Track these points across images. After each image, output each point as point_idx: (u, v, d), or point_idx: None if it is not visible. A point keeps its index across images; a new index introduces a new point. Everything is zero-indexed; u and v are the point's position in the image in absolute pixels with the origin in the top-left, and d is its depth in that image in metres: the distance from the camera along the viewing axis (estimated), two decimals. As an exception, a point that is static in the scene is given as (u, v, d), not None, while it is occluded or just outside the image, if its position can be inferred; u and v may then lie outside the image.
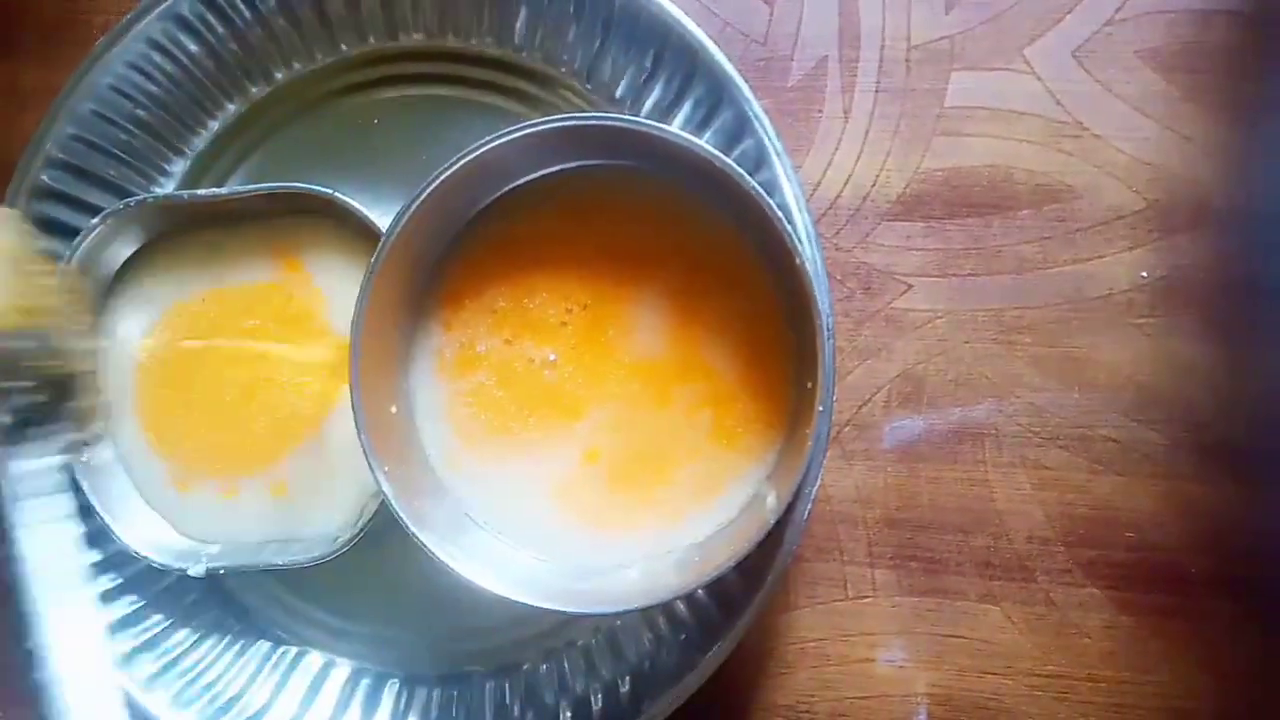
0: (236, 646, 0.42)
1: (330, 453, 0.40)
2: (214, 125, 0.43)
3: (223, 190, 0.41)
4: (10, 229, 0.30)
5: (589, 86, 0.40)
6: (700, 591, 0.38)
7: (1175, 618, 0.39)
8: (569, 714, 0.39)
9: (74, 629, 0.27)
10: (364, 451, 0.34)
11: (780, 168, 0.37)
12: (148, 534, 0.41)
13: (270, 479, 0.41)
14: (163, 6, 0.40)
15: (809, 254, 0.37)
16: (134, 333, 0.42)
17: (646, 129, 0.33)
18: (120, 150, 0.42)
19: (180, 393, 0.41)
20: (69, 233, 0.41)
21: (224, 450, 0.41)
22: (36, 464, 0.28)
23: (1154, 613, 0.39)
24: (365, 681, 0.42)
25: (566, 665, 0.40)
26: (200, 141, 0.43)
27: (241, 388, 0.41)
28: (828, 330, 0.36)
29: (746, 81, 0.38)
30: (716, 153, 0.32)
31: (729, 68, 0.38)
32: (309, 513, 0.41)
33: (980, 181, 0.40)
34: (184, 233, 0.42)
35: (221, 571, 0.40)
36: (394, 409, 0.37)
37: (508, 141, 0.34)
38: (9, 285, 0.27)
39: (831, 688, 0.40)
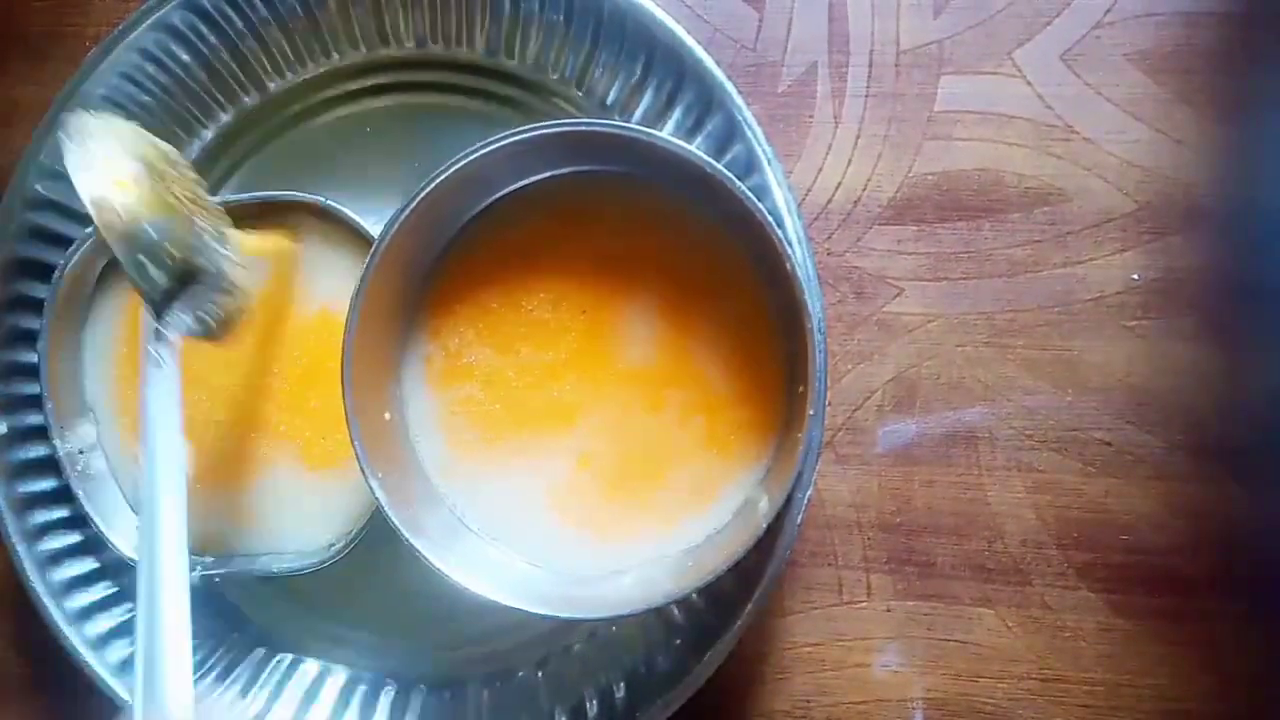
0: (232, 654, 0.42)
1: (309, 469, 0.40)
2: (206, 134, 0.43)
3: (215, 199, 0.41)
4: (143, 139, 0.35)
5: (580, 93, 0.40)
6: (695, 596, 0.38)
7: (1171, 620, 0.39)
8: (564, 720, 0.40)
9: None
10: (358, 459, 0.34)
11: (770, 173, 0.37)
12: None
13: (244, 496, 0.41)
14: (155, 17, 0.40)
15: (800, 259, 0.37)
16: (117, 338, 0.42)
17: (637, 135, 0.33)
18: (113, 160, 0.42)
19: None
20: (63, 242, 0.41)
21: (202, 461, 0.41)
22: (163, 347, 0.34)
23: (1150, 615, 0.39)
24: (361, 688, 0.42)
25: (562, 671, 0.40)
26: (193, 150, 0.43)
27: (224, 396, 0.41)
28: (819, 335, 0.36)
29: (736, 87, 0.38)
30: (707, 158, 0.33)
31: (719, 74, 0.38)
32: (285, 530, 0.40)
33: (970, 185, 0.40)
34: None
35: (216, 579, 0.40)
36: (388, 416, 0.37)
37: (499, 148, 0.34)
38: (142, 184, 0.33)
39: (827, 693, 0.40)
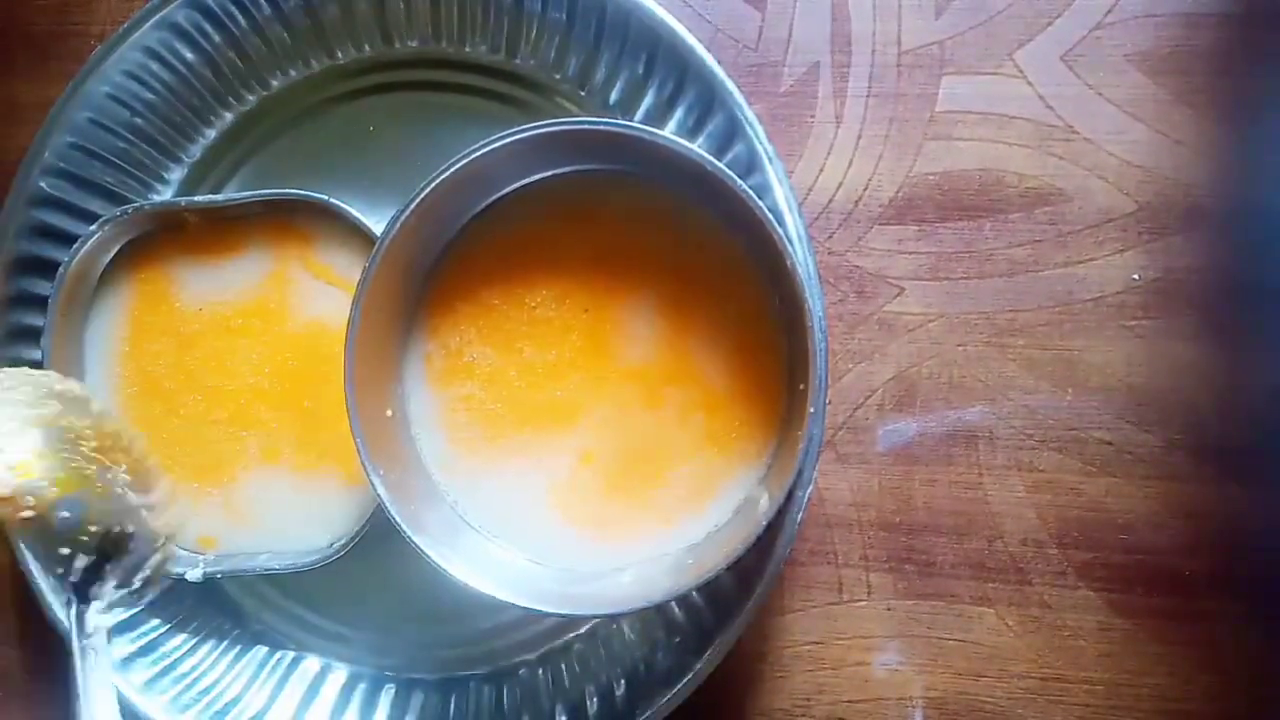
0: (234, 651, 0.42)
1: (303, 468, 0.40)
2: (211, 132, 0.43)
3: (219, 197, 0.41)
4: (46, 394, 0.31)
5: (583, 92, 0.40)
6: (695, 594, 0.38)
7: (1170, 619, 0.39)
8: (564, 718, 0.40)
9: None
10: (359, 455, 0.34)
11: (772, 172, 0.38)
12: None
13: (241, 495, 0.41)
14: (159, 15, 0.41)
15: (801, 258, 0.37)
16: (119, 336, 0.42)
17: (639, 133, 0.33)
18: (118, 158, 0.42)
19: (160, 398, 0.41)
20: (67, 240, 0.41)
21: (192, 461, 0.41)
22: (98, 620, 0.31)
23: (1149, 614, 0.39)
24: (362, 686, 0.42)
25: (562, 669, 0.40)
26: (197, 149, 0.43)
27: (218, 395, 0.41)
28: (820, 333, 0.36)
29: (738, 87, 0.38)
30: (709, 157, 0.33)
31: (720, 73, 0.38)
32: (282, 528, 0.40)
33: (971, 185, 0.40)
34: (171, 233, 0.42)
35: (219, 576, 0.40)
36: (389, 413, 0.37)
37: (501, 146, 0.34)
38: (48, 458, 0.29)
39: (827, 691, 0.41)
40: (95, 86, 0.41)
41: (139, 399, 0.41)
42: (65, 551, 0.30)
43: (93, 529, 0.30)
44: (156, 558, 0.33)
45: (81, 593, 0.31)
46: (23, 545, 0.31)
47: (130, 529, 0.31)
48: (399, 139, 0.42)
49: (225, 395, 0.41)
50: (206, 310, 0.41)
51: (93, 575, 0.31)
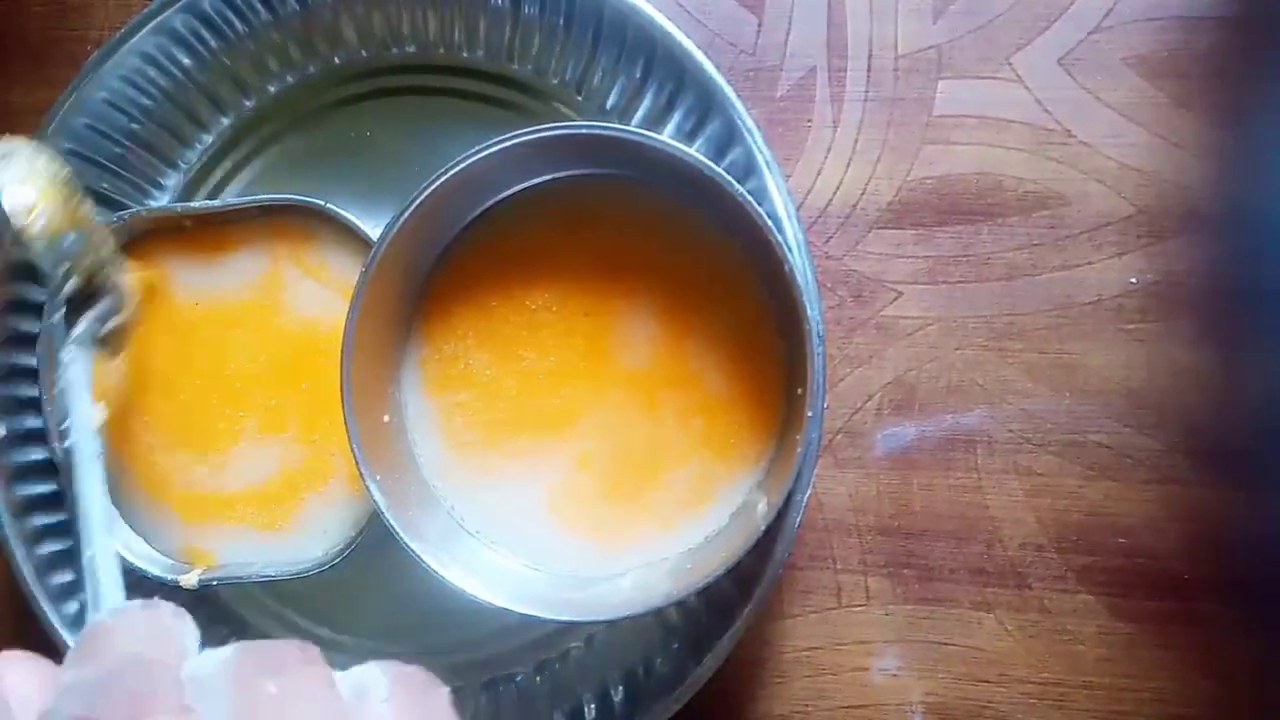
0: (230, 659, 0.42)
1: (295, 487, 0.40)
2: (207, 138, 0.43)
3: (215, 203, 0.41)
4: (47, 155, 0.36)
5: (580, 97, 0.40)
6: (693, 599, 0.38)
7: (1171, 623, 0.39)
8: (562, 724, 0.39)
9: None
10: (356, 462, 0.34)
11: (769, 176, 0.37)
12: (139, 545, 0.41)
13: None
14: (156, 21, 0.40)
15: (798, 262, 0.37)
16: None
17: (636, 138, 0.33)
18: (113, 163, 0.42)
19: (156, 388, 0.41)
20: (63, 246, 0.41)
21: (190, 440, 0.41)
22: (80, 343, 0.36)
23: (1150, 619, 0.39)
24: (359, 693, 0.42)
25: (560, 675, 0.40)
26: (194, 154, 0.43)
27: (208, 400, 0.41)
28: (818, 337, 0.36)
29: (735, 91, 0.38)
30: (706, 161, 0.33)
31: (718, 78, 0.38)
32: (268, 540, 0.40)
33: (969, 189, 0.40)
34: (168, 235, 0.41)
35: (214, 583, 0.40)
36: (387, 419, 0.37)
37: (498, 150, 0.34)
38: (54, 196, 0.35)
39: (826, 697, 0.40)
40: (92, 92, 0.41)
41: (134, 390, 0.41)
42: (62, 270, 0.35)
43: (88, 265, 0.36)
44: (124, 315, 0.38)
45: (68, 313, 0.36)
46: (34, 247, 0.35)
47: (110, 280, 0.37)
48: (396, 144, 0.42)
49: (222, 380, 0.41)
50: (202, 305, 0.41)
51: (78, 306, 0.36)
